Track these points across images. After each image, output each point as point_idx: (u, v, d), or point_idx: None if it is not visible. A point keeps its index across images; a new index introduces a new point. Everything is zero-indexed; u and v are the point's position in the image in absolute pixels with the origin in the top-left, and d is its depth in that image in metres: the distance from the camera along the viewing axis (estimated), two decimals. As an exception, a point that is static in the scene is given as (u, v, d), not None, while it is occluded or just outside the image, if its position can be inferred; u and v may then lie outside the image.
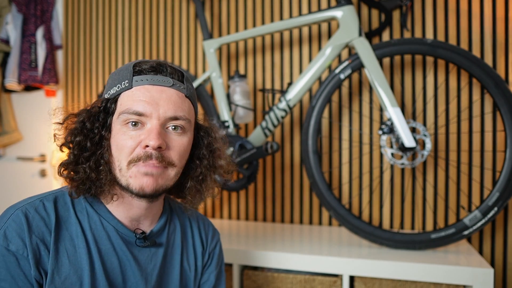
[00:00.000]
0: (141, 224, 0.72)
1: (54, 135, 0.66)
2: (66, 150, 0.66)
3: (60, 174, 0.64)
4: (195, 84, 1.42)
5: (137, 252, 0.70)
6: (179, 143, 0.67)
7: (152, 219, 0.74)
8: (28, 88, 1.95)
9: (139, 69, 0.65)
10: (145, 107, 0.63)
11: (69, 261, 0.62)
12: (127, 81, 0.65)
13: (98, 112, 0.65)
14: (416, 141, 1.15)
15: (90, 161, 0.63)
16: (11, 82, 1.82)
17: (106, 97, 0.67)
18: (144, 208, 0.69)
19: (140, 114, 0.63)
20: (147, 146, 0.62)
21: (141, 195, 0.64)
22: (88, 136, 0.64)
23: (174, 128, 0.66)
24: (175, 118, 0.65)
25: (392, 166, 1.46)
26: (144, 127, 0.64)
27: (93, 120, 0.65)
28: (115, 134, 0.64)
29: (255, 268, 1.19)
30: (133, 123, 0.63)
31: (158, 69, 0.66)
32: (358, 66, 1.23)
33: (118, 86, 0.65)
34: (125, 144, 0.63)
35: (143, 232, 0.70)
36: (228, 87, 1.43)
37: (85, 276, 0.62)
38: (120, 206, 0.68)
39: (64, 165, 0.64)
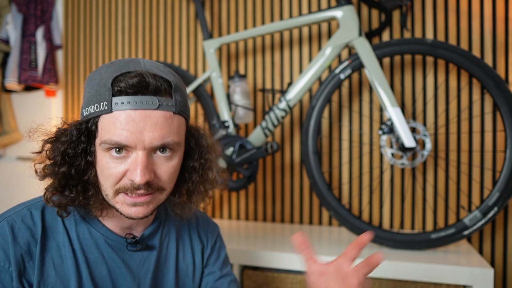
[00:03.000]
0: (134, 230, 0.71)
1: (36, 171, 0.62)
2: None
3: (47, 200, 0.61)
4: (195, 84, 1.42)
5: (128, 258, 0.68)
6: (168, 168, 0.61)
7: (145, 224, 0.72)
8: (28, 88, 1.94)
9: (118, 89, 0.57)
10: (128, 139, 0.56)
11: (55, 272, 0.61)
12: (105, 102, 0.56)
13: (79, 135, 0.59)
14: (416, 141, 1.15)
15: (78, 186, 0.60)
16: (11, 82, 1.82)
17: (85, 114, 0.60)
18: (136, 220, 0.68)
19: (122, 146, 0.57)
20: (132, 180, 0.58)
21: (133, 218, 0.62)
22: (73, 165, 0.59)
23: (162, 151, 0.60)
24: (163, 146, 0.59)
25: (392, 166, 1.46)
26: (129, 155, 0.58)
27: (75, 146, 0.59)
28: (99, 160, 0.59)
29: (255, 268, 1.19)
30: (117, 150, 0.58)
31: (141, 87, 0.57)
32: (358, 66, 1.23)
33: (97, 106, 0.57)
34: (110, 173, 0.58)
35: (134, 237, 0.69)
36: (228, 87, 1.43)
37: (72, 287, 0.61)
38: (110, 217, 0.67)
39: (50, 192, 0.61)
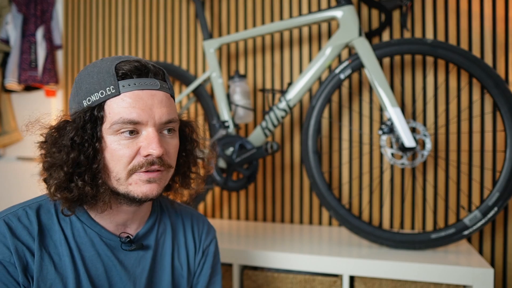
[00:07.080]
0: (128, 228, 0.71)
1: (42, 157, 0.61)
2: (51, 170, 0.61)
3: (53, 196, 0.60)
4: (195, 84, 1.42)
5: (124, 257, 0.69)
6: (173, 145, 0.66)
7: (139, 222, 0.72)
8: (28, 88, 1.94)
9: (123, 72, 0.61)
10: (140, 115, 0.60)
11: (54, 269, 0.61)
12: (112, 86, 0.60)
13: (84, 123, 0.60)
14: (416, 141, 1.15)
15: (85, 176, 0.60)
16: (11, 82, 1.82)
17: (86, 104, 0.61)
18: (132, 212, 0.68)
19: (135, 123, 0.60)
20: (148, 154, 0.61)
21: (143, 200, 0.63)
22: (82, 151, 0.59)
23: (168, 131, 0.65)
24: (169, 122, 0.64)
25: (392, 166, 1.46)
26: (140, 135, 0.61)
27: (81, 133, 0.59)
28: (108, 145, 0.61)
29: (255, 268, 1.19)
30: (129, 132, 0.60)
31: (143, 71, 0.62)
32: (358, 66, 1.23)
33: (102, 92, 0.60)
34: (123, 154, 0.60)
35: (129, 236, 0.69)
36: (228, 87, 1.43)
37: (70, 284, 0.62)
38: (105, 212, 0.66)
39: (57, 187, 0.59)
